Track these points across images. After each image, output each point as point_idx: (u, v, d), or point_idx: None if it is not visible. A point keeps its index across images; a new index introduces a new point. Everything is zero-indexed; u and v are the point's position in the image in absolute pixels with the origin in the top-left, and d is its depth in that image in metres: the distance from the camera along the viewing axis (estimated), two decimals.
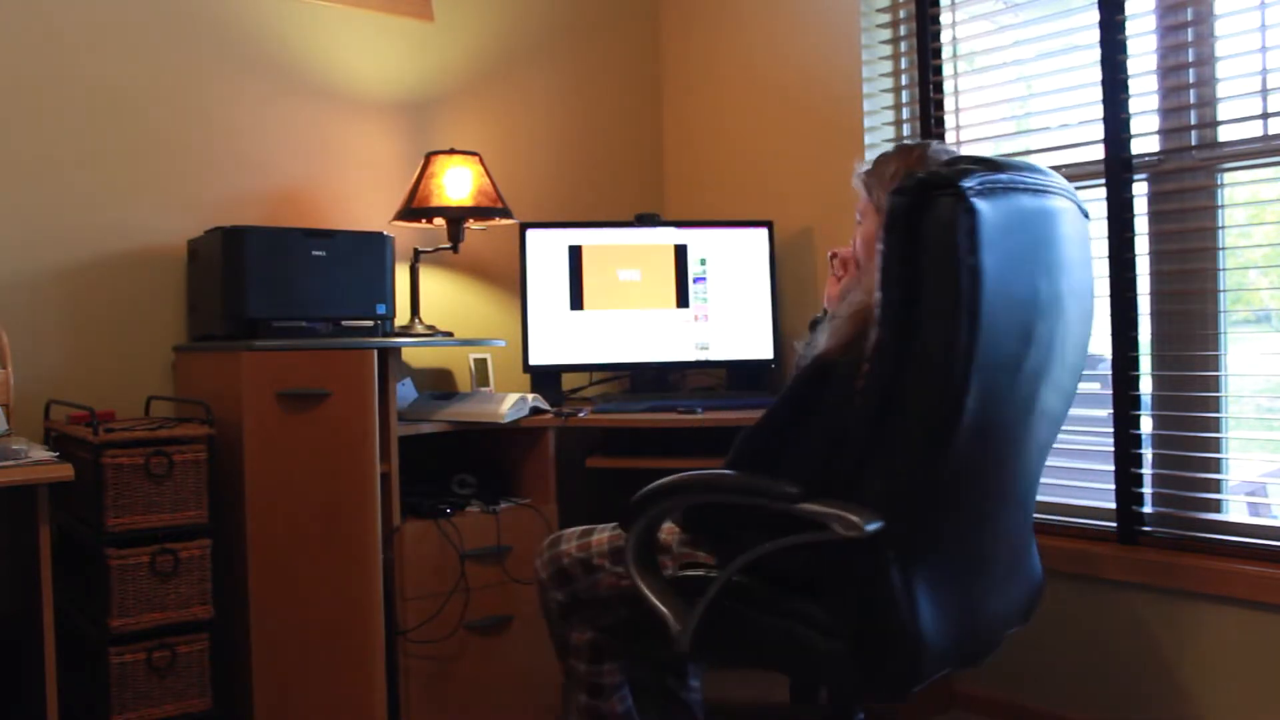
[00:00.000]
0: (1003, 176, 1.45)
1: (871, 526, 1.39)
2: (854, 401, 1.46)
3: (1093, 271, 1.69)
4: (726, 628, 1.59)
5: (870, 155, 2.77)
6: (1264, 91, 2.13)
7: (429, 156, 2.67)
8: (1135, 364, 2.32)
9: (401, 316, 2.63)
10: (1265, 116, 2.12)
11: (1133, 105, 2.31)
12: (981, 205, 1.37)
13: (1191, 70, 2.24)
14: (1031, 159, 2.54)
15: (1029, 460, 1.68)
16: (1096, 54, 2.33)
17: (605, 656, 1.94)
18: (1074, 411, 2.52)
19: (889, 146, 2.79)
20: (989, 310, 1.38)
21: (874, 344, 1.42)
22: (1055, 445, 2.55)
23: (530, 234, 2.80)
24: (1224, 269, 2.21)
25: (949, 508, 1.52)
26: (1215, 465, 2.24)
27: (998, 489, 1.63)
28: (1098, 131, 2.34)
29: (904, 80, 2.78)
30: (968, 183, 1.37)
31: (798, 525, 1.46)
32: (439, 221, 2.73)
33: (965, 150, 2.67)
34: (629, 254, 2.85)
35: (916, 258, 1.38)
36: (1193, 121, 2.24)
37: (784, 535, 1.49)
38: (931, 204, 1.37)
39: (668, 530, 1.88)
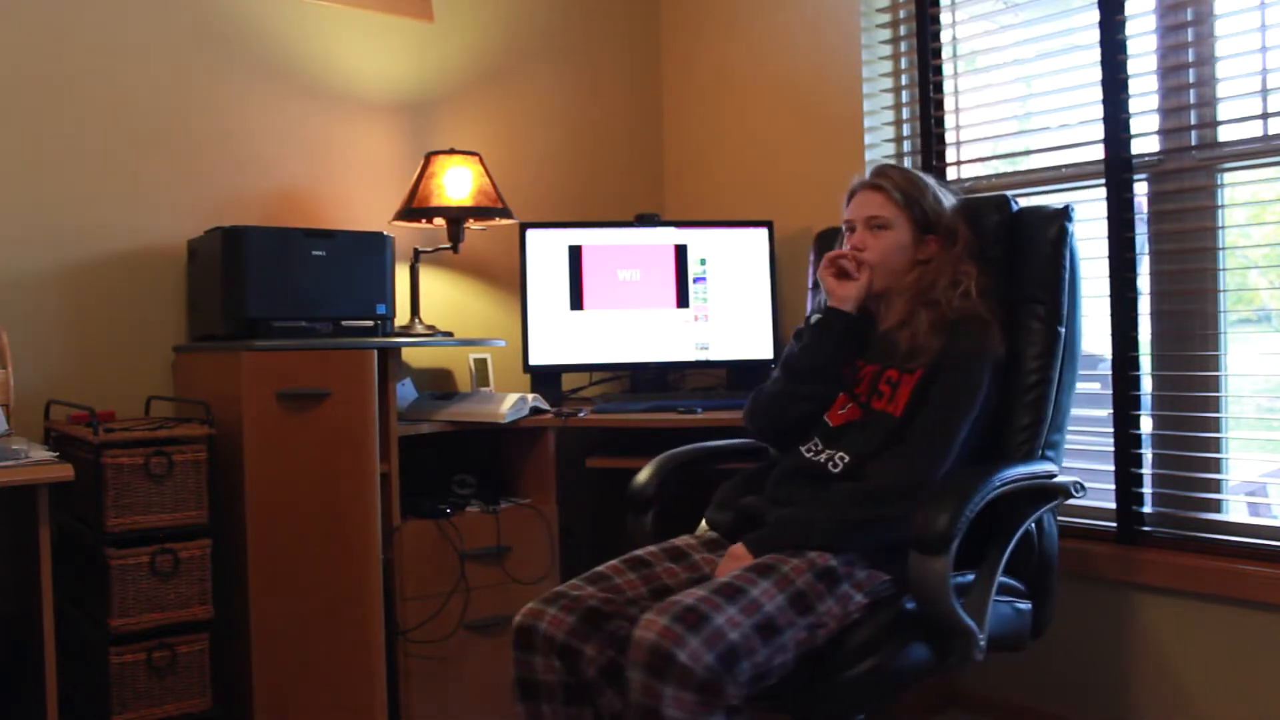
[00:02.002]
0: None
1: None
2: (1020, 386, 1.92)
3: None
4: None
5: (870, 155, 2.78)
6: (1264, 91, 2.13)
7: (429, 156, 2.67)
8: (1135, 364, 2.32)
9: (401, 316, 2.63)
10: (1265, 116, 2.12)
11: (1133, 105, 2.31)
12: None
13: (1191, 70, 2.24)
14: (1031, 159, 2.55)
15: None
16: (1096, 54, 2.33)
17: None
18: (1074, 411, 2.53)
19: (889, 147, 2.81)
20: None
21: (1040, 341, 1.93)
22: None
23: (530, 234, 2.80)
24: (1224, 269, 2.21)
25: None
26: (1215, 465, 2.24)
27: None
28: (1098, 131, 2.34)
29: (904, 80, 2.78)
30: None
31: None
32: (439, 221, 2.73)
33: (965, 150, 2.68)
34: (629, 254, 2.85)
35: (1074, 272, 1.96)
36: (1193, 121, 2.24)
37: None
38: (1069, 229, 1.97)
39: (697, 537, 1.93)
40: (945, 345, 1.82)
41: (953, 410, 1.80)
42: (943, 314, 1.84)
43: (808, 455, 1.89)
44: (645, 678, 1.46)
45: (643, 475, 2.05)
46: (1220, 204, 2.21)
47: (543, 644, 1.66)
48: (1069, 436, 2.50)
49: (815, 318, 1.95)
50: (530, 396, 2.58)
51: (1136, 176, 2.31)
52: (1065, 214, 1.97)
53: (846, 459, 1.84)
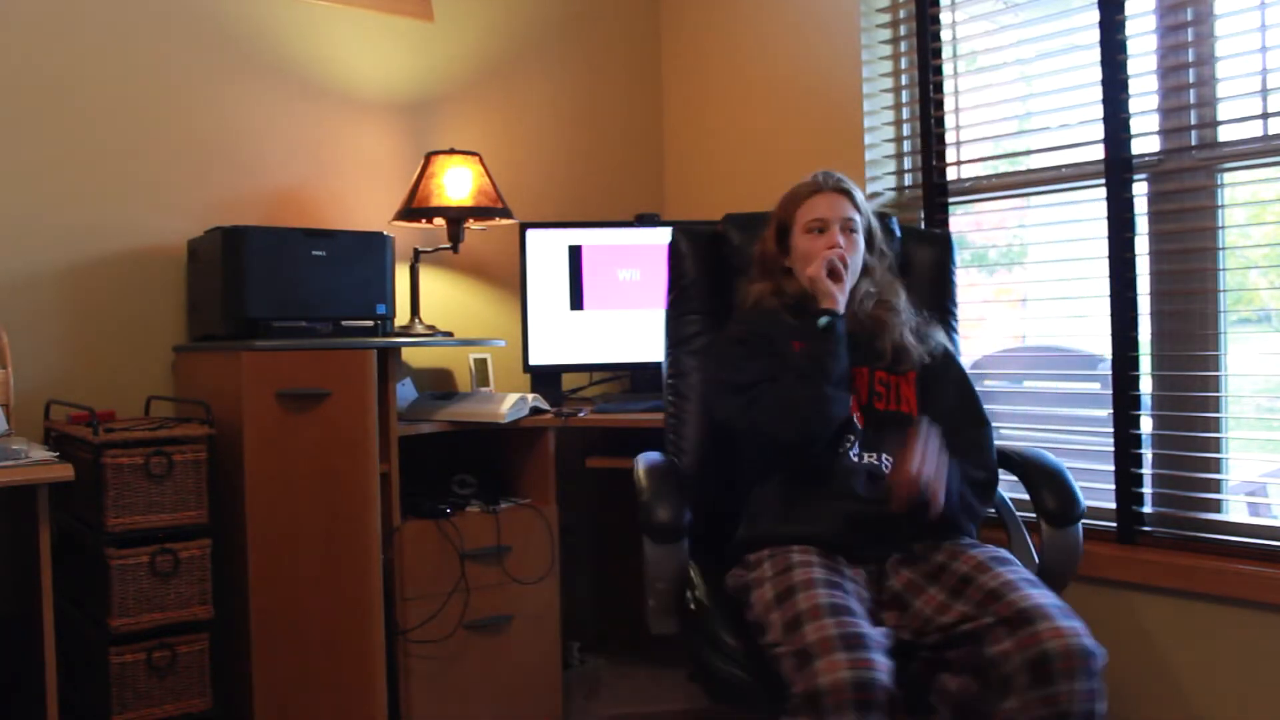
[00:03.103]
0: None
1: None
2: None
3: None
4: None
5: (870, 155, 2.79)
6: (1264, 91, 2.12)
7: (429, 156, 2.67)
8: (1135, 364, 2.32)
9: (401, 316, 2.63)
10: (1265, 116, 2.12)
11: (1133, 105, 2.31)
12: None
13: (1191, 70, 2.24)
14: (1031, 159, 2.55)
15: None
16: (1096, 54, 2.33)
17: None
18: (1074, 411, 2.53)
19: (889, 147, 2.81)
20: None
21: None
22: (1055, 445, 2.57)
23: (530, 234, 2.80)
24: (1224, 269, 2.21)
25: None
26: (1215, 465, 2.23)
27: None
28: (1098, 131, 2.34)
29: (904, 80, 2.78)
30: None
31: None
32: (439, 221, 2.73)
33: (965, 150, 2.68)
34: (629, 254, 2.85)
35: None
36: (1193, 121, 2.24)
37: None
38: (954, 254, 2.34)
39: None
40: (923, 348, 1.96)
41: (979, 402, 1.98)
42: (904, 320, 1.97)
43: (856, 458, 1.85)
44: (1081, 683, 1.41)
45: (662, 513, 1.79)
46: (1220, 204, 2.21)
47: (886, 701, 1.41)
48: (1069, 436, 2.52)
49: (824, 320, 1.88)
50: (530, 396, 2.58)
51: (1136, 176, 2.31)
52: (949, 240, 2.33)
53: (891, 459, 1.84)
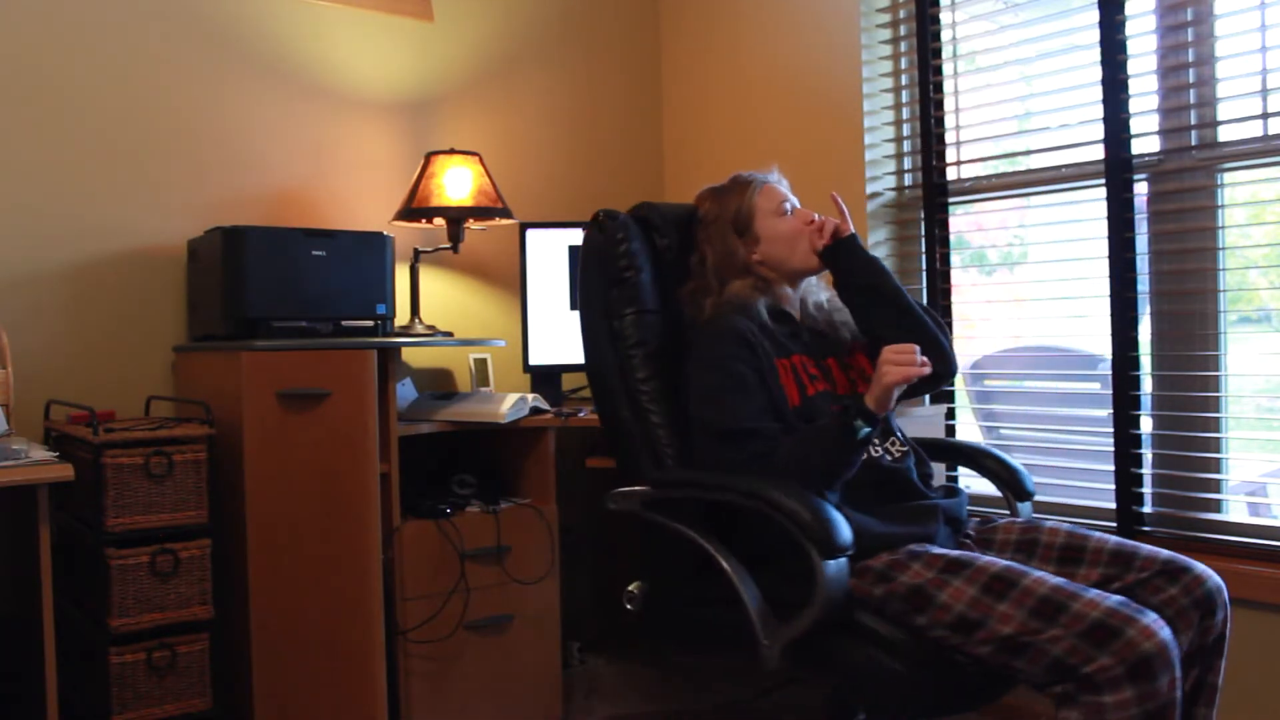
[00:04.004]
0: None
1: None
2: None
3: None
4: None
5: (870, 155, 2.79)
6: (1264, 91, 2.13)
7: (429, 156, 2.67)
8: (1135, 364, 2.32)
9: (401, 316, 2.63)
10: (1265, 116, 2.12)
11: (1133, 105, 2.31)
12: None
13: (1191, 70, 2.24)
14: (1031, 159, 2.55)
15: None
16: (1096, 54, 2.33)
17: None
18: (1074, 411, 2.53)
19: (889, 147, 2.81)
20: None
21: None
22: (1055, 445, 2.56)
23: (530, 234, 2.80)
24: (1224, 269, 2.21)
25: None
26: (1215, 465, 2.24)
27: None
28: (1098, 131, 2.34)
29: (904, 80, 2.78)
30: None
31: None
32: (439, 221, 2.73)
33: (965, 150, 2.68)
34: None
35: None
36: (1193, 121, 2.24)
37: None
38: None
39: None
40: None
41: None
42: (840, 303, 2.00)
43: (884, 454, 1.83)
44: (1224, 611, 1.65)
45: (844, 530, 1.60)
46: (1220, 204, 2.21)
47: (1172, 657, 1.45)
48: (1069, 436, 2.52)
49: (864, 431, 1.72)
50: (530, 396, 2.58)
51: (1136, 176, 2.31)
52: None
53: (904, 445, 1.87)
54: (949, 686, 1.62)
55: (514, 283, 2.91)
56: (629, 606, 1.86)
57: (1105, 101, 2.32)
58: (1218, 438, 2.23)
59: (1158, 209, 2.30)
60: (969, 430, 2.71)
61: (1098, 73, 2.33)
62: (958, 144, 2.68)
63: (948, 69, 2.69)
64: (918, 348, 1.68)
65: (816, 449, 1.71)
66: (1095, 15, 2.33)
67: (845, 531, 1.57)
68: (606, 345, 1.95)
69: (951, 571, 1.59)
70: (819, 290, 2.03)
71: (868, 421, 1.66)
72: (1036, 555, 1.77)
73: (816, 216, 1.95)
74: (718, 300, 1.93)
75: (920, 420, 2.55)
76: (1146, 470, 2.32)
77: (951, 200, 2.69)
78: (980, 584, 1.55)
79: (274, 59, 2.67)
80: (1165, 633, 1.44)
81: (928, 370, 1.67)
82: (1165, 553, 1.69)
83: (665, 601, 1.88)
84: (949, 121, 2.69)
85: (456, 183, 2.63)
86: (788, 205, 1.99)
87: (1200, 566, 1.66)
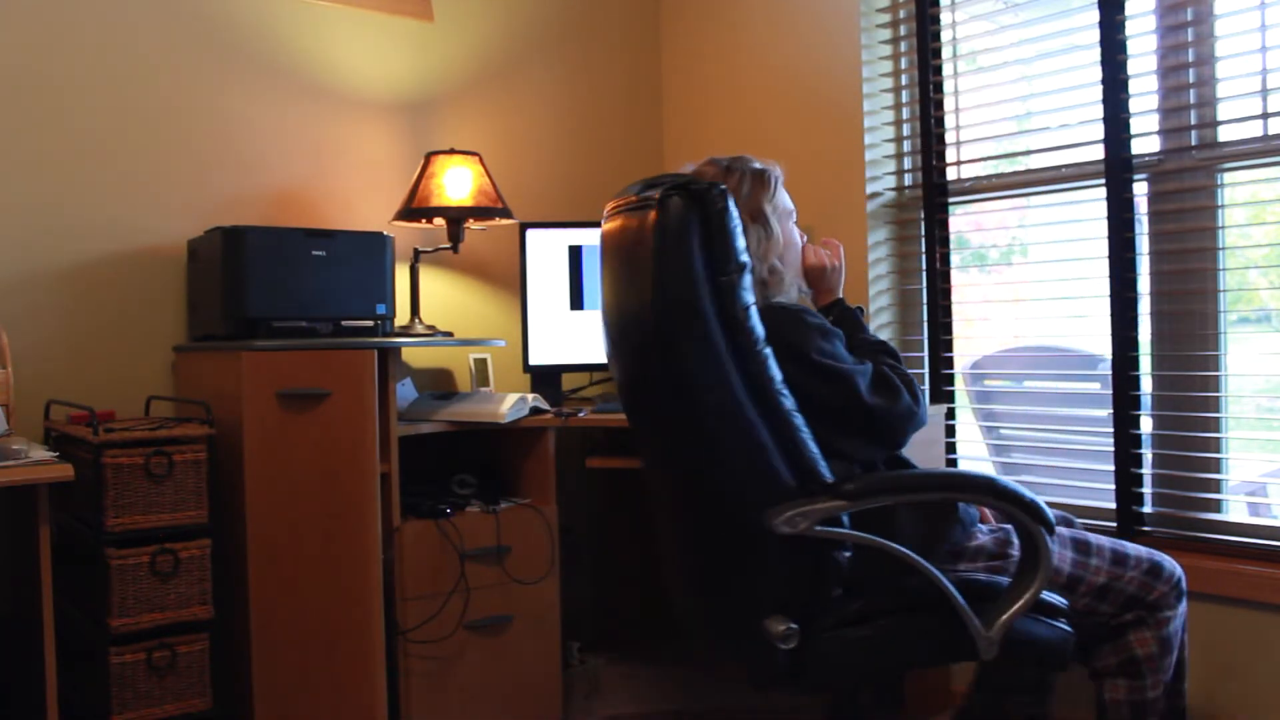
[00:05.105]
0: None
1: None
2: None
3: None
4: None
5: (870, 155, 2.79)
6: (1264, 91, 2.13)
7: (429, 156, 2.67)
8: (1135, 364, 2.32)
9: (401, 316, 2.63)
10: (1265, 116, 2.12)
11: (1133, 105, 2.31)
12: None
13: (1191, 70, 2.24)
14: (1031, 159, 2.55)
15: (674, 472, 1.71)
16: (1096, 54, 2.33)
17: None
18: (1074, 411, 2.53)
19: (889, 147, 2.81)
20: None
21: None
22: (1055, 445, 2.56)
23: (530, 234, 2.80)
24: (1224, 269, 2.21)
25: None
26: (1215, 465, 2.24)
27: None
28: (1098, 131, 2.34)
29: (904, 80, 2.78)
30: None
31: None
32: (439, 221, 2.73)
33: (965, 150, 2.68)
34: None
35: None
36: (1193, 121, 2.24)
37: None
38: None
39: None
40: None
41: None
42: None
43: None
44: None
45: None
46: (1220, 204, 2.21)
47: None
48: (1069, 436, 2.52)
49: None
50: (530, 396, 2.58)
51: (1136, 176, 2.31)
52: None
53: None
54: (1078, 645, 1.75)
55: (514, 283, 2.91)
56: (783, 646, 1.55)
57: (1105, 101, 2.32)
58: (1218, 438, 2.23)
59: (1158, 209, 2.30)
60: (969, 430, 2.71)
61: (1098, 73, 2.33)
62: (958, 144, 2.68)
63: (948, 69, 2.69)
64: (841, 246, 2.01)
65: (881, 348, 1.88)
66: (1095, 15, 2.33)
67: (1049, 510, 1.67)
68: (721, 338, 1.53)
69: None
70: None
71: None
72: None
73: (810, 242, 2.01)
74: (781, 286, 1.88)
75: None
76: (1146, 470, 2.32)
77: (951, 200, 2.69)
78: (1071, 548, 1.80)
79: (274, 59, 2.67)
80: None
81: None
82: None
83: (825, 629, 1.60)
84: (949, 121, 2.69)
85: (456, 183, 2.63)
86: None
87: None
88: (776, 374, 1.56)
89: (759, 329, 1.54)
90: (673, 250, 1.50)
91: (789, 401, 1.56)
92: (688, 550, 1.72)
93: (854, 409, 1.70)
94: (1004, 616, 1.57)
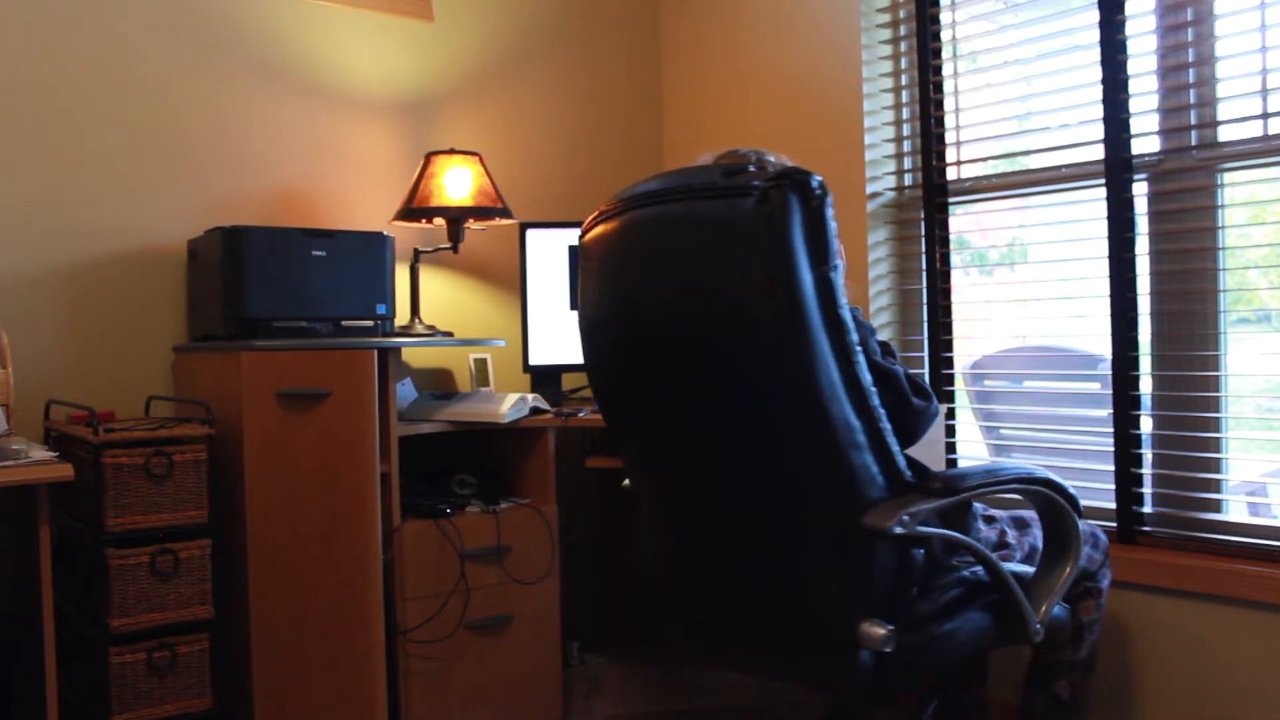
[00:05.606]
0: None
1: None
2: None
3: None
4: None
5: (870, 155, 2.79)
6: (1264, 91, 2.13)
7: (429, 156, 2.67)
8: (1135, 364, 2.32)
9: (401, 316, 2.63)
10: (1265, 116, 2.12)
11: (1133, 105, 2.31)
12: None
13: (1191, 70, 2.24)
14: (1031, 159, 2.55)
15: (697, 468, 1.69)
16: (1096, 54, 2.33)
17: None
18: (1074, 411, 2.53)
19: (889, 147, 2.81)
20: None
21: None
22: (1055, 445, 2.56)
23: (530, 234, 2.80)
24: (1224, 269, 2.21)
25: None
26: (1215, 465, 2.24)
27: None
28: (1098, 131, 2.34)
29: (904, 80, 2.78)
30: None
31: None
32: (439, 221, 2.73)
33: (965, 150, 2.68)
34: None
35: None
36: (1193, 121, 2.24)
37: None
38: None
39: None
40: None
41: None
42: None
43: None
44: None
45: None
46: (1220, 204, 2.21)
47: None
48: (1069, 436, 2.52)
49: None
50: (530, 396, 2.58)
51: (1136, 176, 2.31)
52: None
53: None
54: None
55: (514, 283, 2.91)
56: (885, 651, 1.52)
57: (1105, 101, 2.32)
58: (1218, 438, 2.23)
59: (1158, 209, 2.30)
60: (969, 430, 2.71)
61: (1098, 73, 2.33)
62: (958, 144, 2.68)
63: (948, 69, 2.69)
64: (842, 247, 1.86)
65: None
66: (1095, 15, 2.33)
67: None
68: (823, 334, 1.48)
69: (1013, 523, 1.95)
70: None
71: None
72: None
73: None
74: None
75: None
76: (1146, 470, 2.32)
77: (951, 200, 2.69)
78: (1014, 526, 1.92)
79: (274, 59, 2.67)
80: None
81: None
82: None
83: (911, 627, 1.59)
84: (949, 121, 2.69)
85: (456, 183, 2.63)
86: None
87: None
88: (867, 372, 1.53)
89: (853, 326, 1.51)
90: (781, 240, 1.45)
91: (875, 398, 1.53)
92: (736, 558, 1.66)
93: (901, 407, 1.69)
94: (1047, 602, 1.70)
